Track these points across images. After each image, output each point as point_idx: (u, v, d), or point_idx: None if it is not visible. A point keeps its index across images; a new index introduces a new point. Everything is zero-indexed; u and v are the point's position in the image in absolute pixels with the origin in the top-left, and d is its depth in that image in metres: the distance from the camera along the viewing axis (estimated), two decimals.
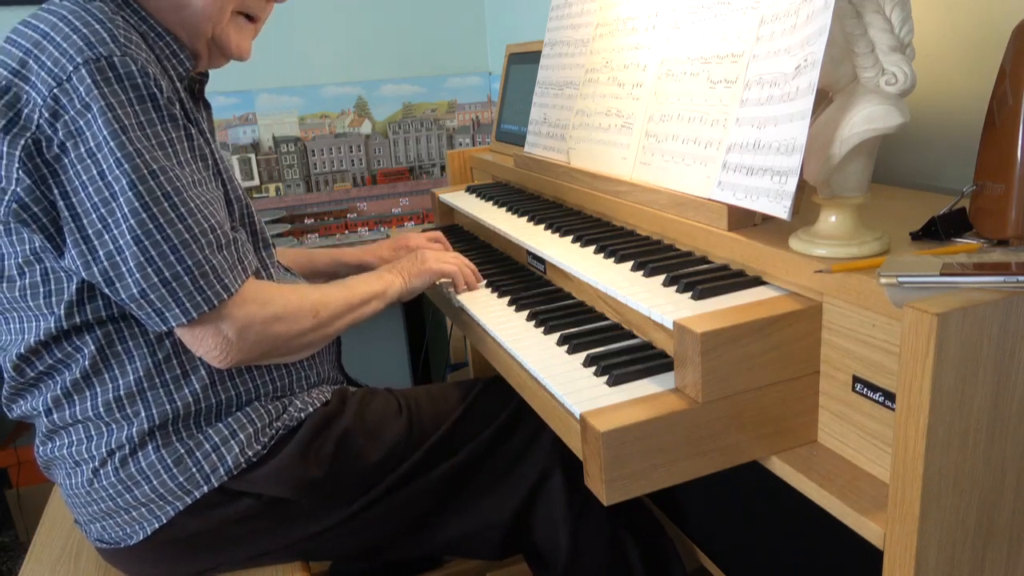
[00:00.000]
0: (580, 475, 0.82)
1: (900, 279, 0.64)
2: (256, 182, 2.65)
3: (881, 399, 0.72)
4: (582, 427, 0.76)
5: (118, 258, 0.87)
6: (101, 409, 0.97)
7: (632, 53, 1.19)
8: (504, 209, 1.41)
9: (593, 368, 0.87)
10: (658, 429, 0.75)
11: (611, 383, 0.83)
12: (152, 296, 0.88)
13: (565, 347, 0.94)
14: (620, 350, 0.91)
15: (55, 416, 0.99)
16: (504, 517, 1.15)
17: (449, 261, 1.20)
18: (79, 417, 0.98)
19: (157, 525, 1.01)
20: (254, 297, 0.94)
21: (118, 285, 0.88)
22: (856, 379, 0.75)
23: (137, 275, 0.87)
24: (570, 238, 1.15)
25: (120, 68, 0.86)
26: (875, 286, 0.69)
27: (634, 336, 0.96)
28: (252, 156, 2.63)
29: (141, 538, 1.01)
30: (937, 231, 0.79)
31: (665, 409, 0.75)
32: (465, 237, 1.54)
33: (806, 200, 0.86)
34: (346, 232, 2.76)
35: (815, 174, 0.79)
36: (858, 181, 0.79)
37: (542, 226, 1.24)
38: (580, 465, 0.79)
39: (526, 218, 1.31)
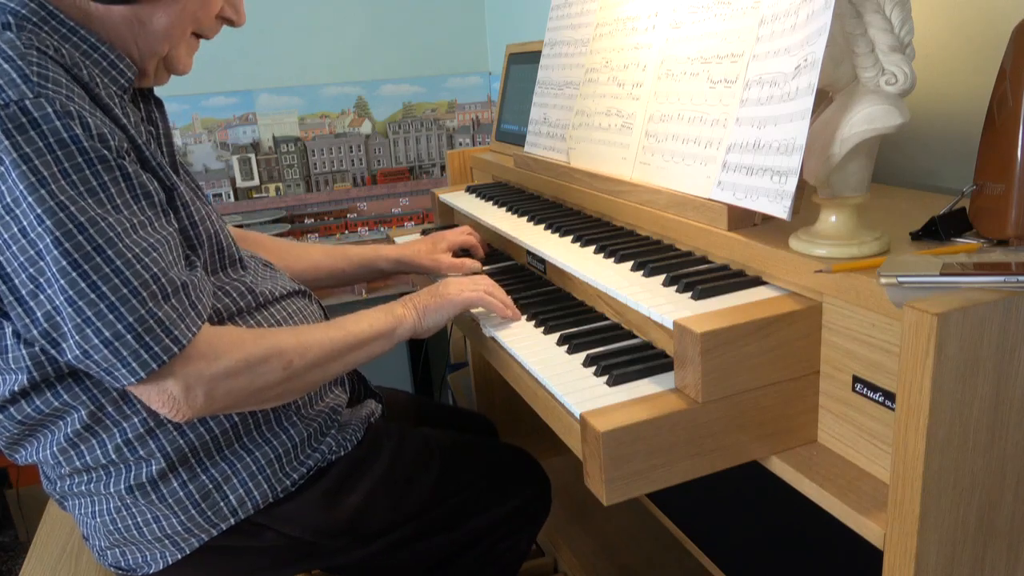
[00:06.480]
0: None
1: (900, 279, 0.64)
2: (256, 182, 2.65)
3: (881, 399, 0.72)
4: (582, 427, 0.76)
5: (57, 319, 0.80)
6: (113, 455, 0.94)
7: (632, 53, 1.19)
8: (504, 209, 1.41)
9: (593, 368, 0.87)
10: (658, 429, 0.75)
11: (611, 383, 0.83)
12: (96, 357, 0.80)
13: (565, 347, 0.94)
14: (620, 350, 0.91)
15: (66, 466, 0.95)
16: None
17: (474, 289, 1.08)
18: (91, 464, 0.95)
19: (180, 556, 0.99)
20: (203, 352, 0.85)
21: (63, 346, 0.81)
22: (856, 379, 0.75)
23: (77, 336, 0.79)
24: (570, 238, 1.15)
25: (34, 112, 0.77)
26: (875, 286, 0.69)
27: (634, 336, 0.96)
28: (252, 156, 2.63)
29: (161, 567, 1.00)
30: (937, 231, 0.79)
31: (665, 409, 0.75)
32: None
33: (806, 200, 0.86)
34: (346, 232, 2.77)
35: (815, 174, 0.79)
36: (858, 181, 0.79)
37: (542, 226, 1.24)
38: None
39: (526, 218, 1.31)
